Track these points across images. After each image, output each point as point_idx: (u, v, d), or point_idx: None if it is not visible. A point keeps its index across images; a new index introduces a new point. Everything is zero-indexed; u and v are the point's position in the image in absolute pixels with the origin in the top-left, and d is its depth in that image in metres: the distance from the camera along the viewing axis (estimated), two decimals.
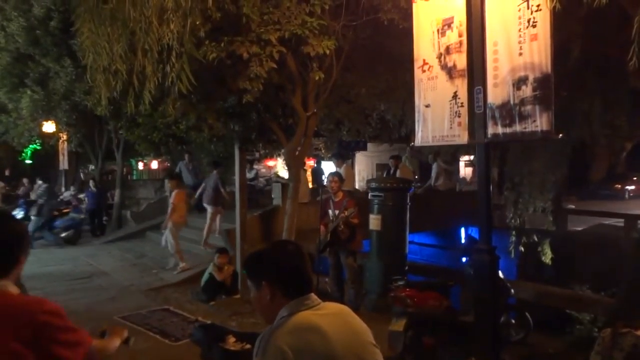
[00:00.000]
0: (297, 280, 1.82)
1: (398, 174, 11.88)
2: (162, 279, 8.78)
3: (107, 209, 15.46)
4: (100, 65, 5.01)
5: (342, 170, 10.25)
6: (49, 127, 14.45)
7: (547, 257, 10.60)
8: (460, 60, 4.52)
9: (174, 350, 5.58)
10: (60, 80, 12.59)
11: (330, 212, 6.79)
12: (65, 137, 15.58)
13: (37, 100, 13.13)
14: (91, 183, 14.70)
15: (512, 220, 10.65)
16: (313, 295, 1.82)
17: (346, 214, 6.50)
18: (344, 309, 1.89)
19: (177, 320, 6.57)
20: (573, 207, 16.23)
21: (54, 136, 15.31)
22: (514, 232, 10.67)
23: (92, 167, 19.94)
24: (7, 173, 21.64)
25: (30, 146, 18.68)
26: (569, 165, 11.32)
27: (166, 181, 10.20)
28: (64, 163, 17.16)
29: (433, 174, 13.43)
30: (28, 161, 22.48)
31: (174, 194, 8.99)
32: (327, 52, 5.98)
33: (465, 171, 24.15)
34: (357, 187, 15.73)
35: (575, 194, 17.97)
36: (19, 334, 1.67)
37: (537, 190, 10.41)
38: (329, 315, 1.78)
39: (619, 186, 22.94)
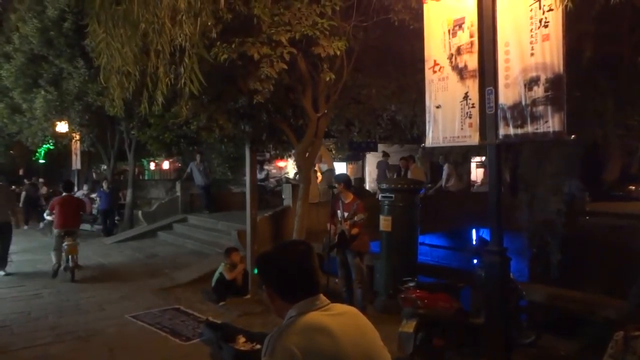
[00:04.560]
0: (297, 286, 1.80)
1: (409, 175, 11.87)
2: (173, 278, 8.82)
3: (119, 209, 15.59)
4: (115, 67, 5.04)
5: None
6: (62, 127, 14.60)
7: (559, 259, 10.51)
8: (471, 60, 4.50)
9: (185, 350, 5.60)
10: (73, 81, 12.73)
11: (339, 212, 6.75)
12: (78, 137, 15.74)
13: (50, 101, 13.28)
14: (104, 184, 14.85)
15: (525, 222, 10.57)
16: (322, 296, 1.81)
17: (356, 219, 6.43)
18: (353, 310, 1.89)
19: (187, 319, 6.60)
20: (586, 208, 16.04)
21: (66, 136, 15.47)
22: (526, 234, 10.59)
23: (104, 167, 20.11)
24: (21, 173, 21.84)
25: (44, 146, 18.90)
26: (581, 166, 11.21)
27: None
28: (76, 163, 17.32)
29: (444, 175, 13.41)
30: (41, 161, 22.70)
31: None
32: (338, 53, 5.97)
33: (476, 173, 24.02)
34: (367, 188, 15.70)
35: (588, 195, 17.75)
36: (78, 204, 9.50)
37: (550, 191, 10.34)
38: (338, 316, 1.78)
39: (633, 187, 22.63)
